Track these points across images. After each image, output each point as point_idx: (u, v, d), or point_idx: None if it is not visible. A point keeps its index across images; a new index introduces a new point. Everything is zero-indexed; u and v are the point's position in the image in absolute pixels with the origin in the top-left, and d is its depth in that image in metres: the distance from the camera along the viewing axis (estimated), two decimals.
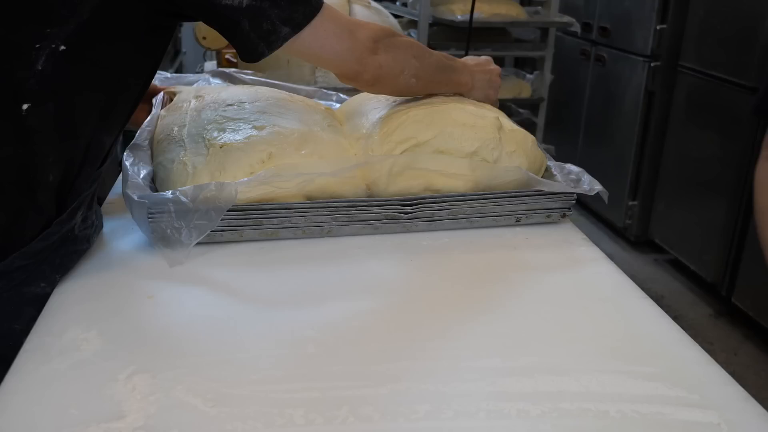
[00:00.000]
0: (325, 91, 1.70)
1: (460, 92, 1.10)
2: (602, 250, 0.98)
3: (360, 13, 1.81)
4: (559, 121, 3.59)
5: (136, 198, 0.82)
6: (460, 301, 0.78)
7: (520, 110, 2.95)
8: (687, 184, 2.86)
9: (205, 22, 0.85)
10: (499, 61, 3.05)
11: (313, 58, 0.91)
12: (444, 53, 1.07)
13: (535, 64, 3.04)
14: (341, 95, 1.68)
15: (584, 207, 3.66)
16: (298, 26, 0.84)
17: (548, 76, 2.93)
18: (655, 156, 3.03)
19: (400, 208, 0.93)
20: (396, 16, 2.29)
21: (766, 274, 2.51)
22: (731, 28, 2.54)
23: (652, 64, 2.92)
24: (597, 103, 3.41)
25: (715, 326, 2.73)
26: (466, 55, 2.75)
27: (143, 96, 0.91)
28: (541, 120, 2.97)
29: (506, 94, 2.87)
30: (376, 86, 0.98)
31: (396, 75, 0.97)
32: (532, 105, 2.98)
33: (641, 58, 2.97)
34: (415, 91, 1.03)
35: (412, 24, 2.87)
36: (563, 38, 3.46)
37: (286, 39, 0.84)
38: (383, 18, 1.89)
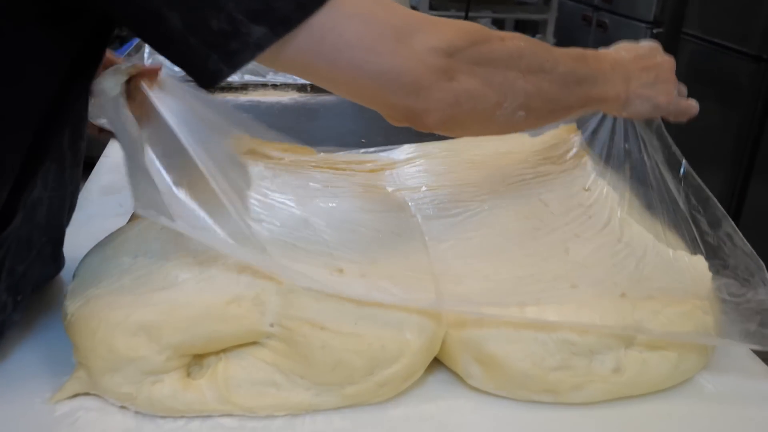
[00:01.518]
0: None
1: (608, 110, 0.74)
2: None
3: None
4: None
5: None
6: None
7: None
8: (685, 152, 2.85)
9: (117, 21, 0.55)
10: (500, 23, 3.02)
11: (323, 82, 0.55)
12: (576, 49, 0.66)
13: (537, 28, 3.00)
14: None
15: None
16: (283, 24, 0.48)
17: (550, 40, 2.89)
18: None
19: None
20: None
21: (761, 243, 2.52)
22: None
23: (655, 31, 2.89)
24: None
25: None
26: (466, 17, 2.72)
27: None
28: None
29: None
30: (451, 130, 0.61)
31: (489, 111, 0.58)
32: None
33: (644, 25, 2.94)
34: (520, 128, 0.65)
35: None
36: (565, 3, 3.41)
37: (260, 47, 0.48)
38: None
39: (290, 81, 1.39)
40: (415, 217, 0.74)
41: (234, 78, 1.37)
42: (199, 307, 0.56)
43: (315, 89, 1.36)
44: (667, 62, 0.74)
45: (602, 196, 0.80)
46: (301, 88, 1.35)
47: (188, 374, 0.58)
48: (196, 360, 0.58)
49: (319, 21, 0.49)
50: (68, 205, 0.67)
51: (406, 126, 0.58)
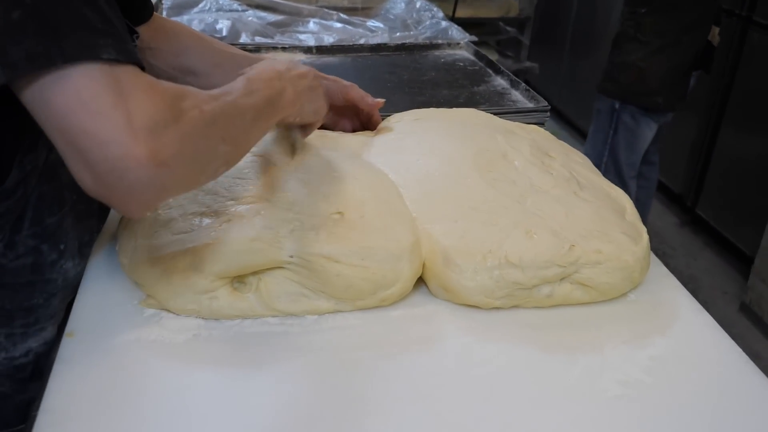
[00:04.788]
0: (326, 10, 1.83)
1: (286, 118, 0.79)
2: None
3: None
4: (546, 39, 3.69)
5: None
6: None
7: (508, 28, 3.06)
8: None
9: None
10: None
11: (42, 127, 0.56)
12: (243, 79, 0.70)
13: None
14: (342, 15, 1.81)
15: (566, 121, 3.82)
16: (10, 68, 0.53)
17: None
18: None
19: None
20: None
21: (729, 187, 2.72)
22: None
23: None
24: (583, 22, 3.51)
25: (679, 234, 2.97)
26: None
27: None
28: (527, 38, 3.09)
29: (494, 12, 2.98)
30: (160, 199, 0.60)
31: (194, 179, 0.62)
32: (519, 23, 3.09)
33: None
34: (219, 174, 0.67)
35: None
36: None
37: None
38: None
39: (296, 43, 1.56)
40: (382, 169, 0.91)
41: (246, 40, 1.54)
42: (229, 245, 0.74)
43: (320, 51, 1.53)
44: (311, 71, 0.83)
45: (563, 156, 0.98)
46: (307, 50, 1.52)
47: (234, 289, 0.76)
48: (238, 279, 0.77)
49: (43, 80, 0.53)
50: None
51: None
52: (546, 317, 0.79)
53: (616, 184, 0.95)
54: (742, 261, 2.65)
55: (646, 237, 0.84)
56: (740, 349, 0.76)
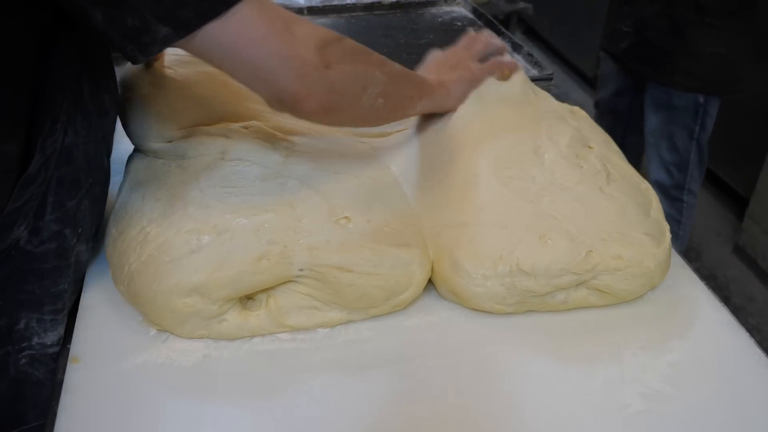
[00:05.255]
0: None
1: (441, 107, 0.88)
2: (571, 98, 1.06)
3: None
4: None
5: None
6: None
7: None
8: None
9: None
10: None
11: (223, 67, 0.66)
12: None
13: None
14: None
15: (557, 54, 3.74)
16: (184, 28, 0.60)
17: None
18: None
19: None
20: None
21: (725, 126, 2.68)
22: None
23: None
24: None
25: None
26: None
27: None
28: None
29: None
30: (327, 116, 0.71)
31: (357, 96, 0.72)
32: None
33: None
34: (380, 116, 0.79)
35: None
36: None
37: (166, 42, 0.60)
38: None
39: (287, 3, 1.48)
40: (385, 163, 0.86)
41: None
42: (235, 267, 0.69)
43: (312, 12, 1.46)
44: (461, 48, 0.93)
45: (603, 146, 0.89)
46: (298, 11, 1.44)
47: (244, 307, 0.73)
48: (248, 296, 0.73)
49: (217, 26, 0.61)
50: (105, 150, 0.78)
51: (287, 113, 0.69)
52: (562, 321, 0.77)
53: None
54: (736, 202, 2.65)
55: (668, 236, 0.81)
56: (760, 351, 0.75)
